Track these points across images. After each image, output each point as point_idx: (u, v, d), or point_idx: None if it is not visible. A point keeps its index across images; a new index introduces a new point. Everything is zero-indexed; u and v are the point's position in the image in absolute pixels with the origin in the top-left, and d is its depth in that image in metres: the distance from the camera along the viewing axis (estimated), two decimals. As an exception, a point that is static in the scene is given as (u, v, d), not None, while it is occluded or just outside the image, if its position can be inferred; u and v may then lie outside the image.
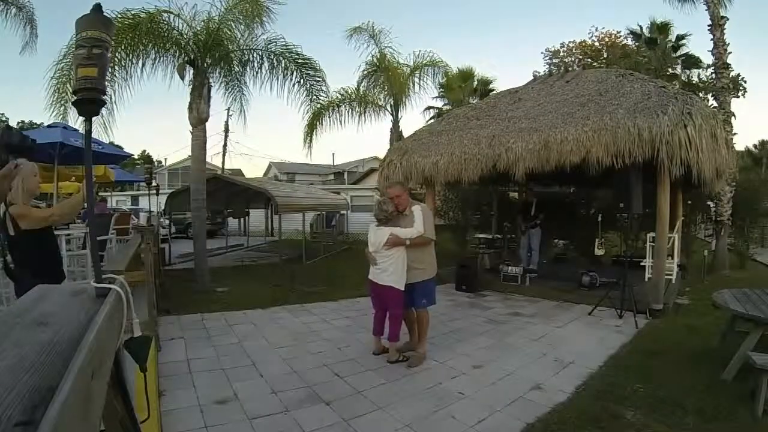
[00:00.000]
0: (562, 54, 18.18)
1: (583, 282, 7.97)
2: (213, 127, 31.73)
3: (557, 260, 11.52)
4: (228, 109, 21.55)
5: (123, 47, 7.56)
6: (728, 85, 11.22)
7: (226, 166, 30.83)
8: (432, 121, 17.55)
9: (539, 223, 9.45)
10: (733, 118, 11.34)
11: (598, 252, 9.31)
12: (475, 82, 21.91)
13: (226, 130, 29.39)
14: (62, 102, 7.56)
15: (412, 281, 4.55)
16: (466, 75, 21.28)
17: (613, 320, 6.31)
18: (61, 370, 0.65)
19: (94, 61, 1.39)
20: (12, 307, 1.12)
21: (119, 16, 7.40)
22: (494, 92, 16.50)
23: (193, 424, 3.20)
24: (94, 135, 1.65)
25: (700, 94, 12.57)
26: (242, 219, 19.33)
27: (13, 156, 3.06)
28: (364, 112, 14.57)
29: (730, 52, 11.11)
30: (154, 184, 11.46)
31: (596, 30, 18.03)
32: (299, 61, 9.12)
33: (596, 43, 17.91)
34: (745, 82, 13.43)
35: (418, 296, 4.59)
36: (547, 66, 18.21)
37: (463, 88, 20.84)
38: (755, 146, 37.81)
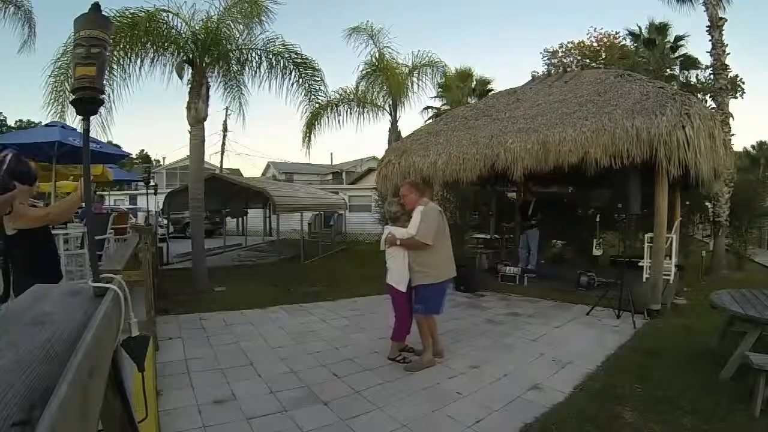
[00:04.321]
0: (560, 54, 18.23)
1: (581, 282, 7.98)
2: (211, 127, 31.68)
3: (555, 260, 11.53)
4: (226, 108, 21.50)
5: (121, 46, 7.54)
6: (726, 86, 11.23)
7: (225, 166, 30.82)
8: (430, 121, 17.57)
9: (537, 222, 9.46)
10: (731, 119, 11.37)
11: (596, 252, 9.33)
12: (474, 83, 21.92)
13: (225, 130, 29.38)
14: (60, 101, 7.54)
15: (414, 284, 4.49)
16: (465, 75, 21.29)
17: (611, 320, 6.31)
18: (59, 369, 0.64)
19: (92, 60, 1.38)
20: (10, 306, 1.12)
21: (118, 15, 7.38)
22: (493, 92, 16.51)
23: (191, 423, 3.19)
24: (92, 134, 1.65)
25: (699, 95, 12.61)
26: (240, 218, 19.34)
27: (15, 184, 3.06)
28: (363, 112, 14.57)
29: (729, 53, 11.13)
30: (152, 183, 11.49)
31: (595, 30, 18.12)
32: (298, 60, 9.12)
33: (595, 44, 17.97)
34: (744, 83, 13.52)
35: (416, 300, 4.51)
36: (546, 66, 18.27)
37: (462, 88, 20.84)
38: (753, 147, 37.93)
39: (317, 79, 9.47)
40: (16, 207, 3.02)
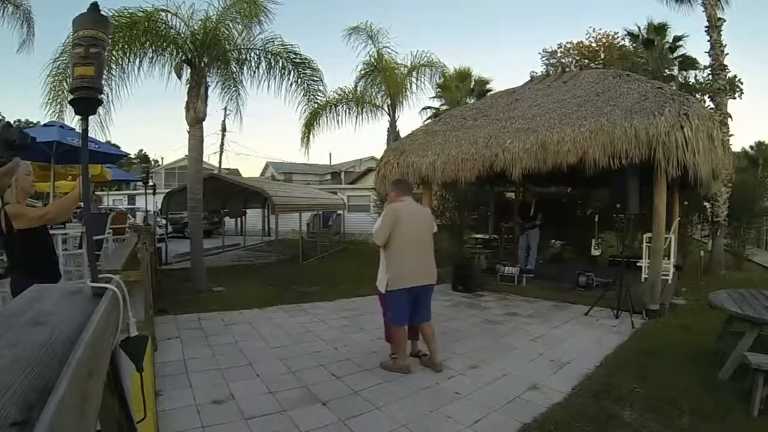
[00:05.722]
0: (559, 54, 18.26)
1: (579, 282, 7.98)
2: (210, 127, 31.64)
3: (554, 260, 11.54)
4: (225, 108, 21.49)
5: (120, 46, 7.52)
6: (725, 87, 11.25)
7: (223, 166, 30.78)
8: (429, 121, 17.58)
9: (539, 223, 9.47)
10: (729, 119, 11.40)
11: (595, 252, 9.35)
12: (472, 83, 21.94)
13: (223, 130, 29.33)
14: (59, 100, 7.53)
15: None
16: (463, 75, 21.30)
17: (610, 320, 6.32)
18: (58, 369, 0.64)
19: (91, 60, 1.38)
20: (8, 306, 1.11)
21: (116, 14, 7.37)
22: (491, 92, 16.53)
23: (190, 424, 3.19)
24: (90, 134, 1.65)
25: (697, 96, 12.61)
26: (239, 219, 19.32)
27: (12, 153, 3.04)
28: (362, 112, 14.58)
29: (727, 54, 11.15)
30: (150, 183, 11.47)
31: (593, 31, 18.14)
32: (296, 60, 9.12)
33: (593, 44, 17.99)
34: (742, 83, 13.53)
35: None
36: (545, 66, 18.30)
37: (460, 89, 20.86)
38: (752, 147, 37.96)
39: (316, 79, 9.48)
40: (18, 209, 3.02)
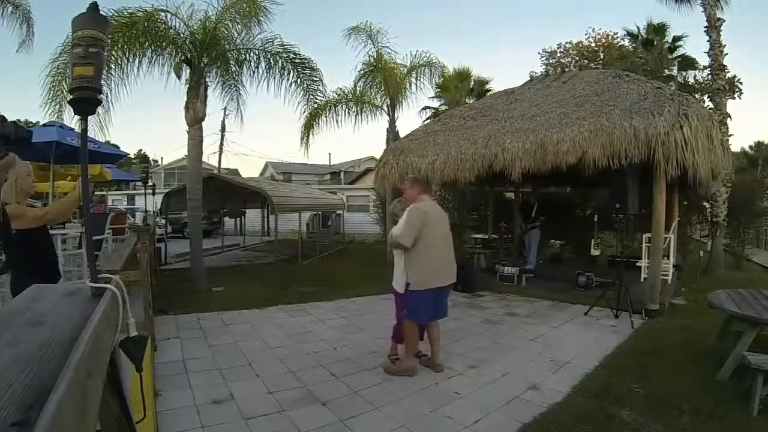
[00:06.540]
0: (558, 54, 18.23)
1: (579, 282, 7.99)
2: (210, 127, 31.66)
3: (554, 260, 11.55)
4: (225, 108, 21.46)
5: (119, 46, 7.51)
6: (724, 87, 11.26)
7: (223, 166, 30.76)
8: (428, 121, 17.57)
9: (539, 224, 9.47)
10: (729, 119, 11.40)
11: (594, 252, 9.36)
12: (472, 83, 21.93)
13: (223, 130, 29.34)
14: (58, 100, 7.53)
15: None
16: (463, 75, 21.29)
17: (609, 320, 6.32)
18: (57, 369, 0.64)
19: (90, 60, 1.38)
20: (8, 306, 1.11)
21: (116, 14, 7.36)
22: (491, 93, 16.52)
23: (189, 424, 3.19)
24: (90, 134, 1.65)
25: (696, 96, 12.63)
26: (238, 219, 19.33)
27: (8, 148, 3.02)
28: (361, 112, 14.52)
29: (727, 54, 11.17)
30: (150, 183, 11.48)
31: (593, 31, 18.10)
32: (296, 60, 9.12)
33: (593, 44, 17.96)
34: (741, 83, 13.54)
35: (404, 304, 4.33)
36: (544, 66, 18.28)
37: (460, 89, 20.85)
38: (751, 147, 38.11)
39: (315, 79, 9.48)
40: (18, 209, 3.01)
